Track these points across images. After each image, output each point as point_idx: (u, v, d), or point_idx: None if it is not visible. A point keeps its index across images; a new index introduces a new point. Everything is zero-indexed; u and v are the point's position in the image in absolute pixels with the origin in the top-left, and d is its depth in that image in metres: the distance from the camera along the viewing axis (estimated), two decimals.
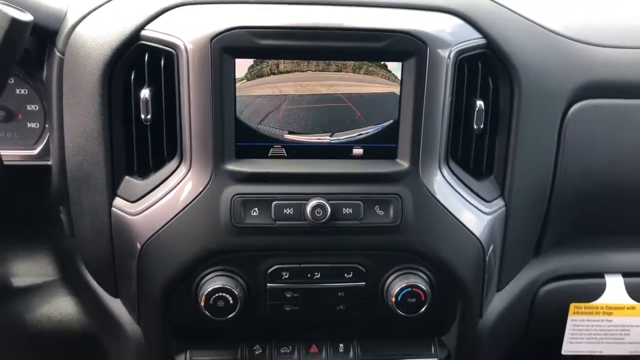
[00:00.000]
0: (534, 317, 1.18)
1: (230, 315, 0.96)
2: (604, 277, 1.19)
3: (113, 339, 1.10)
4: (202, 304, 0.95)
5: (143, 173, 1.00)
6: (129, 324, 1.05)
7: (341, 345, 1.09)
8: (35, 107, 1.10)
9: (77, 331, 1.14)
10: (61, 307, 1.14)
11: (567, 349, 1.23)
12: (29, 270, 1.17)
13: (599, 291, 1.19)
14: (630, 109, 1.08)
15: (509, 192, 1.05)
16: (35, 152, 1.10)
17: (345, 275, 0.99)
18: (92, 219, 1.01)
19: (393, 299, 0.98)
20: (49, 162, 1.07)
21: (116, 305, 1.07)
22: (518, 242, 1.10)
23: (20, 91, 1.09)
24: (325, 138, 0.97)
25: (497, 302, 1.11)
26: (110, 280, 1.05)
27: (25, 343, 1.16)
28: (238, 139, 0.95)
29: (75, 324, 1.14)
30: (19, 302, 1.15)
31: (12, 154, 1.08)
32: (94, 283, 1.08)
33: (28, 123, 1.10)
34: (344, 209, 0.95)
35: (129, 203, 0.99)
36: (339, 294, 0.99)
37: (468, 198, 1.02)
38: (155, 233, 0.96)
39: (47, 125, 1.09)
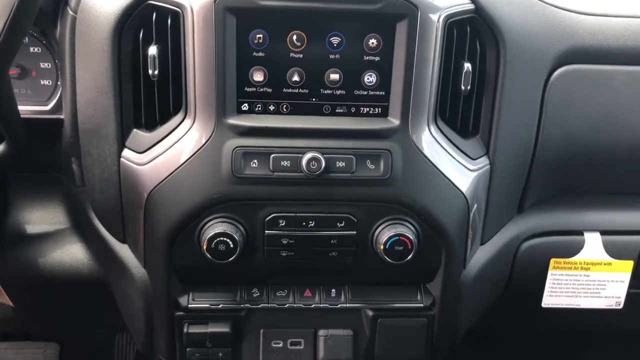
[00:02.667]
0: (516, 270, 1.23)
1: (230, 259, 1.01)
2: (582, 235, 1.24)
3: (120, 282, 1.16)
4: (205, 247, 1.00)
5: (150, 126, 1.04)
6: (135, 268, 1.11)
7: (333, 290, 1.14)
8: (48, 65, 1.15)
9: (87, 275, 1.19)
10: (72, 253, 1.20)
11: (546, 301, 1.28)
12: (43, 218, 1.22)
13: (577, 248, 1.24)
14: (610, 74, 1.12)
15: (494, 150, 1.08)
16: (48, 107, 1.15)
17: (338, 224, 1.03)
18: (101, 169, 1.06)
19: (381, 247, 1.02)
20: (62, 116, 1.12)
21: (123, 251, 1.12)
22: (501, 199, 1.14)
23: (34, 49, 1.14)
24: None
25: (481, 255, 1.16)
26: (118, 227, 1.10)
27: (39, 286, 1.21)
28: (239, 95, 1.00)
29: (85, 268, 1.19)
30: (32, 248, 1.20)
31: (26, 109, 1.13)
32: (102, 230, 1.13)
33: (41, 80, 1.15)
34: (337, 162, 0.99)
35: (136, 154, 1.03)
36: (332, 241, 1.04)
37: (454, 155, 1.06)
38: (160, 182, 1.01)
39: (59, 83, 1.14)
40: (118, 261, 1.13)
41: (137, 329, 1.18)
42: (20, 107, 1.02)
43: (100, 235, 1.14)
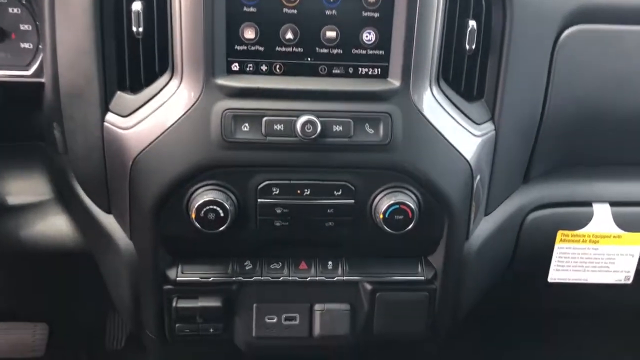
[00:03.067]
0: (521, 243, 1.19)
1: (221, 229, 0.97)
2: (591, 206, 1.20)
3: (106, 255, 1.12)
4: (193, 216, 0.96)
5: (135, 88, 1.00)
6: (121, 239, 1.07)
7: (330, 262, 1.10)
8: (29, 27, 1.09)
9: (71, 248, 1.15)
10: (55, 224, 1.16)
11: (553, 276, 1.24)
12: (24, 188, 1.18)
13: (586, 219, 1.20)
14: (622, 35, 1.07)
15: (499, 115, 1.04)
16: (29, 72, 1.09)
17: (335, 192, 1.00)
18: (84, 134, 1.02)
19: (381, 216, 0.99)
20: (43, 80, 1.07)
21: (109, 221, 1.08)
22: (507, 167, 1.10)
23: (13, 10, 1.08)
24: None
25: (484, 226, 1.12)
26: (103, 196, 1.06)
27: (21, 260, 1.18)
28: (230, 54, 0.95)
29: (69, 241, 1.15)
30: (14, 220, 1.16)
31: (6, 74, 1.07)
32: (87, 200, 1.09)
33: (21, 43, 1.09)
34: (334, 126, 0.95)
35: (120, 118, 0.99)
36: (328, 210, 1.00)
37: (458, 119, 1.02)
38: (146, 147, 0.97)
39: (40, 46, 1.08)
40: (103, 232, 1.09)
41: (124, 305, 1.14)
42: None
43: (84, 205, 1.10)
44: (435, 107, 0.99)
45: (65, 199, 1.16)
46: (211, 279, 1.07)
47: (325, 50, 0.97)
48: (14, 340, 1.73)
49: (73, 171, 1.10)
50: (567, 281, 1.25)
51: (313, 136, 0.94)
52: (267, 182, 0.98)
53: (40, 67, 1.08)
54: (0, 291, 1.30)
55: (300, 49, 0.96)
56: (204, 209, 0.96)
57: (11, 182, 1.18)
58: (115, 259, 1.09)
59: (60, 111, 1.04)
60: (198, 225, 0.97)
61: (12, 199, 1.18)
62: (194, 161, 0.96)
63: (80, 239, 1.16)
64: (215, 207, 0.96)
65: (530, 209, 1.18)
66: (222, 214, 0.96)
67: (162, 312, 1.09)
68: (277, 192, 0.99)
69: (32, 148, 1.17)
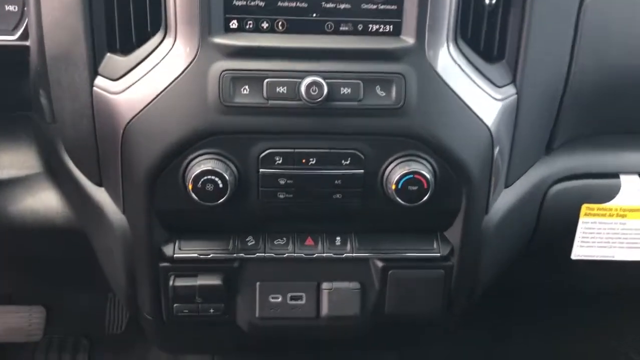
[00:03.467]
0: (543, 217, 1.12)
1: (220, 201, 0.91)
2: (618, 178, 1.13)
3: (98, 231, 1.06)
4: (190, 187, 0.90)
5: (126, 49, 0.94)
6: (113, 213, 1.01)
7: (338, 238, 1.04)
8: None
9: (62, 225, 1.10)
10: (45, 200, 1.10)
11: (577, 252, 1.17)
12: (11, 162, 1.12)
13: (613, 192, 1.13)
14: None
15: (521, 78, 0.98)
16: (15, 37, 1.01)
17: (343, 161, 0.94)
18: (72, 100, 0.96)
19: (393, 187, 0.92)
20: (27, 43, 1.00)
21: (100, 195, 1.02)
22: (529, 135, 1.03)
23: None
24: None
25: (505, 199, 1.06)
26: (94, 167, 1.00)
27: (8, 237, 1.12)
28: (227, 10, 0.89)
29: (59, 217, 1.09)
30: (1, 195, 1.10)
31: None
32: (77, 172, 1.03)
33: (5, 6, 1.02)
34: (342, 88, 0.89)
35: (110, 81, 0.93)
36: (336, 181, 0.94)
37: (477, 81, 0.95)
38: (138, 113, 0.91)
39: (26, 8, 1.01)
40: (95, 207, 1.03)
41: (119, 285, 1.09)
42: None
43: (74, 178, 1.04)
44: (453, 68, 0.93)
45: (55, 173, 1.11)
46: (211, 255, 1.01)
47: (332, 5, 0.91)
48: (9, 324, 1.69)
49: (62, 141, 1.04)
50: (592, 258, 1.18)
51: (319, 99, 0.88)
52: (269, 151, 0.93)
53: (26, 32, 1.01)
54: None
55: (304, 4, 0.90)
56: (202, 180, 0.90)
57: None
58: (107, 236, 1.04)
59: (47, 76, 0.98)
60: (195, 198, 0.91)
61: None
62: (189, 127, 0.90)
63: (71, 215, 1.10)
64: (213, 177, 0.90)
65: (554, 180, 1.11)
66: (221, 185, 0.90)
67: (158, 291, 1.04)
68: (280, 161, 0.93)
69: (19, 119, 1.11)
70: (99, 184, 1.02)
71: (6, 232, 1.11)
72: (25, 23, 1.01)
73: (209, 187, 0.90)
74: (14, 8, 1.01)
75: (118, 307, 1.80)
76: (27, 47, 1.00)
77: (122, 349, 1.80)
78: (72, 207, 1.09)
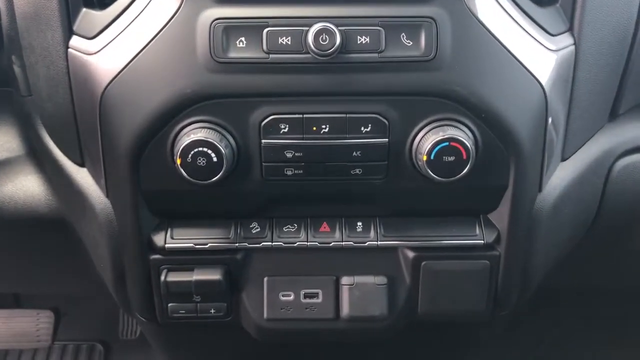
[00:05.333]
0: (607, 197, 0.98)
1: (214, 179, 0.79)
2: None
3: (82, 218, 0.95)
4: (179, 162, 0.78)
5: (103, 2, 0.84)
6: (96, 197, 0.90)
7: (359, 223, 0.91)
8: None
9: (45, 214, 0.99)
10: (26, 186, 0.99)
11: None
12: None
13: None
14: None
15: (580, 25, 0.86)
16: None
17: (362, 128, 0.81)
18: (46, 66, 0.86)
19: (424, 158, 0.79)
20: None
21: (82, 176, 0.91)
22: (590, 97, 0.90)
23: None
24: None
25: (561, 175, 0.92)
26: (74, 144, 0.90)
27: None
28: None
29: (42, 205, 0.98)
30: None
31: None
32: (56, 151, 0.93)
33: None
34: (358, 37, 0.77)
35: (87, 40, 0.85)
36: (354, 153, 0.82)
37: (527, 28, 0.83)
38: (117, 74, 0.81)
39: None
40: (77, 191, 0.92)
41: (108, 280, 0.97)
42: None
43: (53, 158, 0.93)
44: (496, 11, 0.81)
45: (36, 155, 1.01)
46: (208, 245, 0.90)
47: None
48: (15, 329, 1.63)
49: (39, 116, 0.93)
50: None
51: (330, 51, 0.76)
52: (272, 117, 0.81)
53: None
54: None
55: None
56: (192, 152, 0.78)
57: None
58: (91, 222, 0.93)
59: (18, 40, 0.88)
60: (185, 174, 0.79)
61: None
62: (176, 90, 0.80)
63: (54, 203, 0.99)
64: (205, 149, 0.78)
65: (620, 152, 0.98)
66: (215, 159, 0.78)
67: (150, 288, 0.92)
68: (286, 129, 0.81)
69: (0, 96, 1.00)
70: (81, 163, 0.91)
71: None
72: None
73: (201, 161, 0.78)
74: None
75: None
76: None
77: (138, 355, 1.72)
78: (55, 192, 0.98)
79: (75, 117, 0.88)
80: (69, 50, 0.85)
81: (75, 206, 0.94)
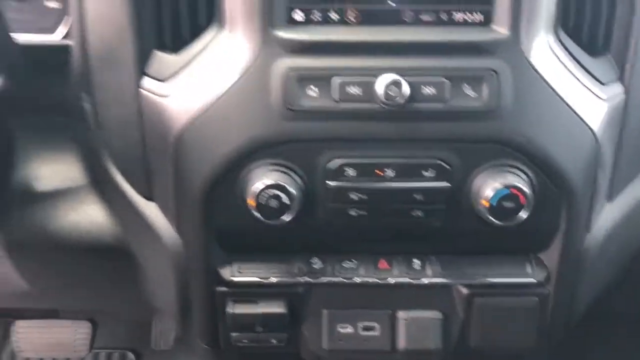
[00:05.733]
0: None
1: (284, 218, 0.81)
2: None
3: (148, 250, 0.98)
4: (252, 203, 0.81)
5: (176, 46, 0.86)
6: (165, 231, 0.92)
7: (416, 260, 0.93)
8: None
9: (108, 242, 1.01)
10: (90, 214, 1.02)
11: None
12: (54, 173, 1.04)
13: None
14: None
15: (630, 74, 0.87)
16: (56, 36, 0.94)
17: (424, 173, 0.83)
18: (118, 105, 0.88)
19: (486, 204, 0.81)
20: (69, 42, 0.92)
21: (150, 210, 0.93)
22: (636, 142, 0.91)
23: None
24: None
25: (608, 214, 0.93)
26: (142, 179, 0.92)
27: (50, 255, 1.04)
28: None
29: (105, 234, 1.01)
30: (42, 209, 1.02)
31: (30, 38, 0.93)
32: (124, 185, 0.94)
33: (46, 2, 0.94)
34: (424, 88, 0.79)
35: (159, 83, 0.86)
36: (416, 196, 0.84)
37: (580, 77, 0.84)
38: (191, 118, 0.82)
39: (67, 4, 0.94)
40: (144, 224, 0.94)
41: (171, 309, 1.00)
42: (21, 38, 0.87)
43: (121, 191, 0.95)
44: (553, 62, 0.83)
45: (100, 185, 1.02)
46: (273, 279, 0.92)
47: None
48: (53, 339, 1.63)
49: (108, 151, 0.95)
50: None
51: (398, 100, 0.77)
52: (339, 160, 0.83)
53: (68, 28, 0.93)
54: (32, 288, 1.16)
55: None
56: (265, 195, 0.80)
57: (40, 166, 1.05)
58: (158, 255, 0.95)
59: (90, 78, 0.90)
60: (257, 215, 0.82)
61: (41, 185, 1.04)
62: (249, 135, 0.82)
63: (118, 232, 1.01)
64: (277, 192, 0.80)
65: None
66: (286, 201, 0.80)
67: (215, 318, 0.95)
68: (353, 173, 0.83)
69: (63, 126, 1.03)
70: (149, 198, 0.93)
71: (49, 249, 1.03)
72: (67, 20, 0.93)
73: (273, 203, 0.80)
74: (57, 5, 0.94)
75: (166, 325, 1.73)
76: (69, 47, 0.92)
77: None
78: (120, 222, 1.01)
79: (144, 154, 0.89)
80: (140, 90, 0.86)
81: (141, 237, 0.97)
